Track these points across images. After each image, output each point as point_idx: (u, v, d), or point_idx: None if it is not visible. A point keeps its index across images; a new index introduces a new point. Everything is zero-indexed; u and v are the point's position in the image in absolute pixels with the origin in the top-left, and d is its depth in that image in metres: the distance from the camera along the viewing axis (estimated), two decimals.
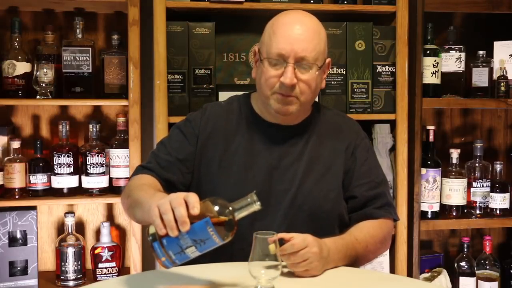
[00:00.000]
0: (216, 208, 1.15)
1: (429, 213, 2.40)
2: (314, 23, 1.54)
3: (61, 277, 2.21)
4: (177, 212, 1.12)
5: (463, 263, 2.44)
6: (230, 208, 1.17)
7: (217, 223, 1.13)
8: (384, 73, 2.29)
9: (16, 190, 2.17)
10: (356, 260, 1.49)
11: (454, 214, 2.42)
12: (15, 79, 2.19)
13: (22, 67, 2.20)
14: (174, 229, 1.12)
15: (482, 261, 2.46)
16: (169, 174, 1.56)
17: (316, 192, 1.56)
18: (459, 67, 2.43)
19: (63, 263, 2.21)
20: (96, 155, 2.22)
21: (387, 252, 2.34)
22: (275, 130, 1.60)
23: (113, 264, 2.27)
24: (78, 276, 2.22)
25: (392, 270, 2.32)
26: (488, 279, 2.43)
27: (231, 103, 1.68)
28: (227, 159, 1.58)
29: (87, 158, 2.22)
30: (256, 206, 1.19)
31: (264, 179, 1.56)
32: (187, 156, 1.59)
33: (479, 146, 2.48)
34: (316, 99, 2.21)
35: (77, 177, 2.24)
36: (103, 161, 2.24)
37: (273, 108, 1.54)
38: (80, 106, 2.40)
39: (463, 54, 2.42)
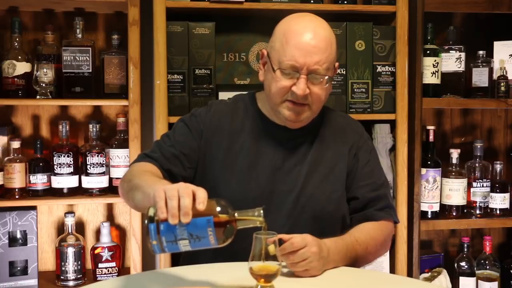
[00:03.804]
0: (221, 210, 1.15)
1: (429, 213, 2.40)
2: (326, 31, 1.52)
3: (61, 277, 2.21)
4: (183, 201, 1.11)
5: (463, 263, 2.44)
6: (235, 215, 1.16)
7: (218, 225, 1.13)
8: (384, 73, 2.29)
9: (16, 190, 2.17)
10: (356, 261, 1.49)
11: (454, 214, 2.42)
12: (15, 79, 2.19)
13: (22, 67, 2.20)
14: (175, 217, 1.10)
15: (482, 261, 2.46)
16: (172, 166, 1.55)
17: (319, 194, 1.56)
18: (459, 67, 2.42)
19: (63, 263, 2.21)
20: (96, 155, 2.22)
21: (387, 253, 2.34)
22: (280, 131, 1.60)
23: (113, 264, 2.27)
24: (78, 276, 2.22)
25: (392, 270, 2.32)
26: (488, 279, 2.43)
27: (236, 102, 1.68)
28: (231, 158, 1.58)
29: (87, 158, 2.22)
30: (259, 222, 1.18)
31: (268, 179, 1.56)
32: (190, 151, 1.59)
33: (479, 146, 2.48)
34: None
35: (77, 177, 2.24)
36: (103, 161, 2.24)
37: (283, 115, 1.54)
38: (80, 106, 2.40)
39: (463, 54, 2.42)
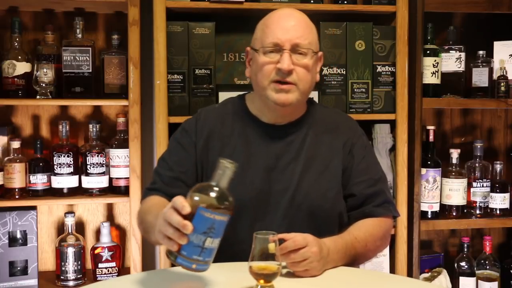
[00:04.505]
0: (202, 194, 1.16)
1: (429, 213, 2.40)
2: (305, 17, 1.57)
3: (61, 277, 2.21)
4: (173, 221, 1.14)
5: (463, 263, 2.44)
6: (213, 184, 1.17)
7: (211, 206, 1.14)
8: (384, 73, 2.29)
9: (16, 190, 2.17)
10: (355, 259, 1.49)
11: (454, 214, 2.42)
12: (15, 79, 2.19)
13: (22, 67, 2.20)
14: (181, 237, 1.13)
15: (482, 261, 2.46)
16: (175, 189, 1.55)
17: (315, 191, 1.56)
18: (459, 67, 2.43)
19: (63, 263, 2.21)
20: (96, 155, 2.22)
21: (387, 252, 2.35)
22: (271, 129, 1.60)
23: (113, 264, 2.27)
24: (78, 276, 2.22)
25: (392, 270, 2.32)
26: (488, 279, 2.43)
27: (225, 106, 1.68)
28: None
29: (87, 158, 2.22)
30: (232, 166, 1.19)
31: (262, 179, 1.55)
32: (188, 167, 1.59)
33: (479, 146, 2.48)
34: (315, 99, 2.22)
35: (77, 177, 2.24)
36: (103, 161, 2.24)
37: (271, 99, 1.53)
38: (80, 106, 2.40)
39: (463, 54, 2.42)
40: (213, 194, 1.15)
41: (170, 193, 1.55)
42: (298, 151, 1.59)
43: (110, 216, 2.47)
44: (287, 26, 1.51)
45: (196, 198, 1.15)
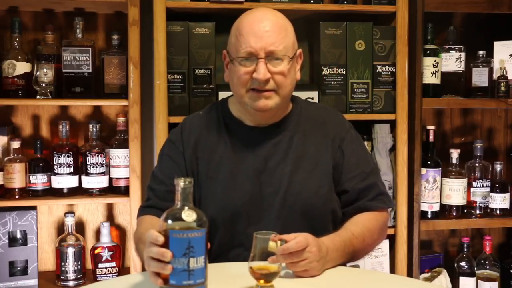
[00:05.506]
0: (169, 219, 1.15)
1: (429, 213, 2.40)
2: (279, 18, 1.54)
3: (61, 277, 2.21)
4: (153, 253, 1.14)
5: (463, 263, 2.44)
6: (177, 206, 1.17)
7: (181, 226, 1.13)
8: (384, 73, 2.29)
9: (16, 190, 2.17)
10: (354, 255, 1.48)
11: (454, 214, 2.42)
12: (15, 79, 2.19)
13: (22, 67, 2.20)
14: (164, 267, 1.12)
15: (482, 261, 2.46)
16: (170, 203, 1.53)
17: (306, 190, 1.54)
18: (459, 67, 2.43)
19: (63, 263, 2.21)
20: (96, 155, 2.23)
21: (387, 252, 2.35)
22: (256, 132, 1.58)
23: (113, 264, 2.27)
24: (78, 276, 2.22)
25: (392, 270, 2.32)
26: (488, 279, 2.43)
27: (209, 112, 1.66)
28: (213, 170, 1.56)
29: (87, 158, 2.22)
30: (188, 183, 1.17)
31: (253, 183, 1.54)
32: None
33: (479, 146, 2.48)
34: (315, 99, 2.22)
35: (77, 177, 2.24)
36: (103, 161, 2.24)
37: (250, 106, 1.52)
38: (80, 106, 2.40)
39: (463, 54, 2.42)
40: (179, 215, 1.15)
41: (165, 208, 1.53)
42: (286, 151, 1.57)
43: (110, 216, 2.47)
44: (260, 33, 1.48)
45: (166, 225, 1.15)
